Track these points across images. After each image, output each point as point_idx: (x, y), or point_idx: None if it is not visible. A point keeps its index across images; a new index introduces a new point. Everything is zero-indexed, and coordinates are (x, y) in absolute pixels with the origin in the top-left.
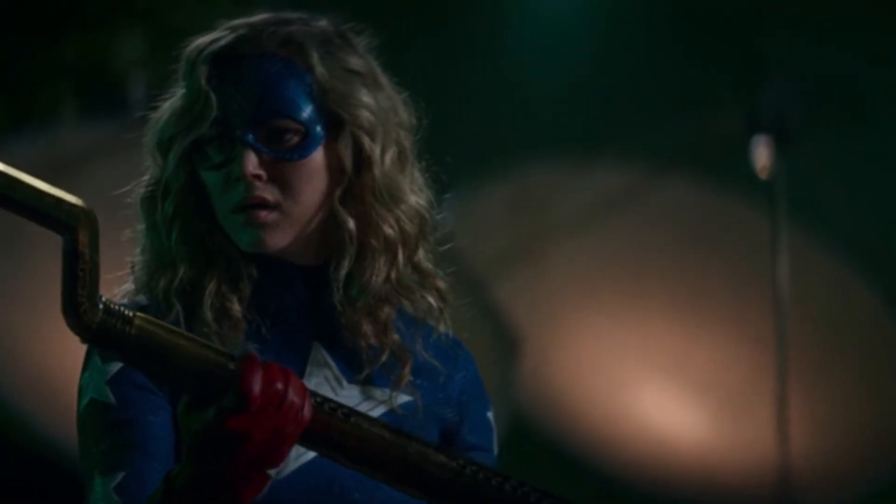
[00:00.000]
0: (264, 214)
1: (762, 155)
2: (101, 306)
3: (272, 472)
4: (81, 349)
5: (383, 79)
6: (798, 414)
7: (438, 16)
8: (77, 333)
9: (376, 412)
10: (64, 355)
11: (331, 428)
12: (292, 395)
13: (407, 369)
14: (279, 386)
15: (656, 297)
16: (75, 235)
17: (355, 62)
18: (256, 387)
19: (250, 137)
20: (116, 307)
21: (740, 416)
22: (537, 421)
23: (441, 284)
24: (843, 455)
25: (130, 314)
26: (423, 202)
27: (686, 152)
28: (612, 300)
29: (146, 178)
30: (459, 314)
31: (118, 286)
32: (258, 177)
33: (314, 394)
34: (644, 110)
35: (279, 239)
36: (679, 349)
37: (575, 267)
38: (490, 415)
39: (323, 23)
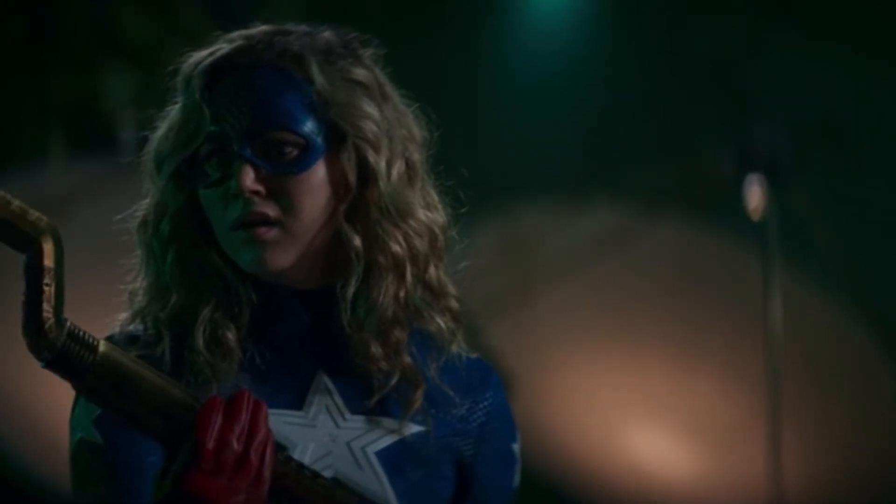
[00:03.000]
0: (264, 231)
1: (755, 195)
2: (65, 328)
3: None
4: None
5: (391, 91)
6: (791, 453)
7: (420, 58)
8: (36, 354)
9: (384, 442)
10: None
11: (301, 486)
12: (252, 455)
13: (419, 394)
14: (236, 445)
15: (648, 337)
16: (40, 248)
17: (359, 73)
18: (210, 441)
19: (247, 152)
20: (80, 332)
21: (734, 456)
22: (529, 462)
23: (454, 305)
24: (837, 493)
25: (94, 341)
26: (435, 218)
27: (677, 193)
28: (603, 341)
29: (145, 202)
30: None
31: (108, 318)
32: (257, 192)
33: (282, 448)
34: (635, 150)
35: (281, 258)
36: (671, 389)
37: (565, 308)
38: (516, 447)
39: (326, 34)
